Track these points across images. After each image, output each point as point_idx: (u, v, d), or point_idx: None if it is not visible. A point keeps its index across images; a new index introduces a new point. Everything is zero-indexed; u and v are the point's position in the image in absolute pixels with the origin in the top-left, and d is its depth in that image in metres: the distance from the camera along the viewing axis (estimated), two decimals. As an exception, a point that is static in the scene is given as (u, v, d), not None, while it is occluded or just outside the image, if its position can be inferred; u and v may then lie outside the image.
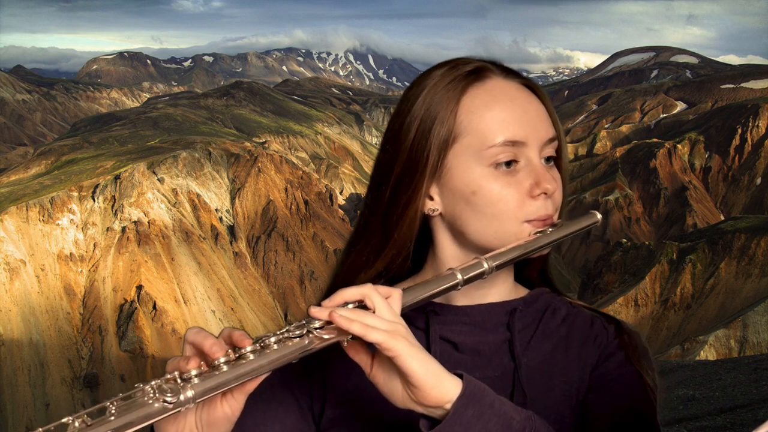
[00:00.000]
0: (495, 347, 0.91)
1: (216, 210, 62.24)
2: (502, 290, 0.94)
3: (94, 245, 52.88)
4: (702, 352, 29.61)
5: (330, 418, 0.89)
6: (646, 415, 0.85)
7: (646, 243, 47.32)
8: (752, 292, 38.61)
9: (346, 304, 0.73)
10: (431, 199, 0.90)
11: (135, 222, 54.55)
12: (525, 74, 0.94)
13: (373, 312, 0.73)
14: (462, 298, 0.92)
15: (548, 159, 0.91)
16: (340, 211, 72.53)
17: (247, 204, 64.04)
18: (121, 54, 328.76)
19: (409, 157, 0.88)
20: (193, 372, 0.66)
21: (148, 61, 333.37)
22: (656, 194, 66.07)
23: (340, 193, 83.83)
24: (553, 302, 0.96)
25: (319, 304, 0.87)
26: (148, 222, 55.26)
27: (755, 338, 31.15)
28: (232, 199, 64.38)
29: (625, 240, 47.49)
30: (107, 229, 53.94)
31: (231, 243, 60.31)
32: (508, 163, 0.86)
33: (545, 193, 0.87)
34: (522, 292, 0.97)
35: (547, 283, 1.00)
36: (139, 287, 50.36)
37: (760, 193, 66.94)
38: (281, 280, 59.49)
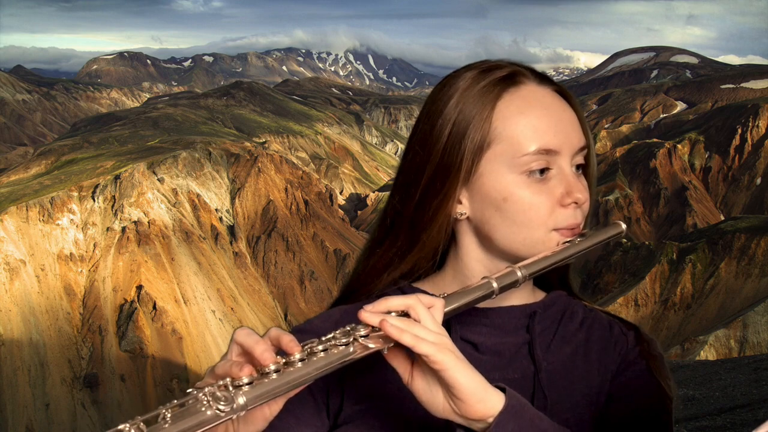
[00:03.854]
0: (515, 349, 0.91)
1: (216, 210, 62.22)
2: (522, 293, 0.94)
3: (94, 245, 52.87)
4: (702, 352, 29.64)
5: (347, 414, 0.89)
6: (664, 424, 0.86)
7: (646, 243, 47.32)
8: (752, 292, 38.61)
9: (389, 312, 0.74)
10: (459, 202, 0.90)
11: (135, 222, 54.53)
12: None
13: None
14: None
15: (578, 167, 0.91)
16: (340, 211, 72.51)
17: (247, 204, 64.03)
18: (121, 54, 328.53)
19: (442, 160, 0.87)
20: (245, 379, 0.67)
21: (148, 61, 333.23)
22: (656, 194, 66.02)
23: (340, 193, 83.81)
24: (570, 305, 0.97)
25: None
26: (148, 222, 55.24)
27: (755, 338, 31.16)
28: (232, 199, 64.36)
29: (625, 240, 47.45)
30: (107, 229, 53.92)
31: (231, 243, 60.29)
32: (541, 171, 0.86)
33: (575, 203, 0.87)
34: (540, 295, 0.98)
35: (565, 287, 1.01)
36: (139, 287, 50.34)
37: (760, 193, 66.89)
38: (281, 280, 59.47)
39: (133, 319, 48.15)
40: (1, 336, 44.76)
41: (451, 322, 0.91)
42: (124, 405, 44.15)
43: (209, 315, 53.27)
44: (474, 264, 0.92)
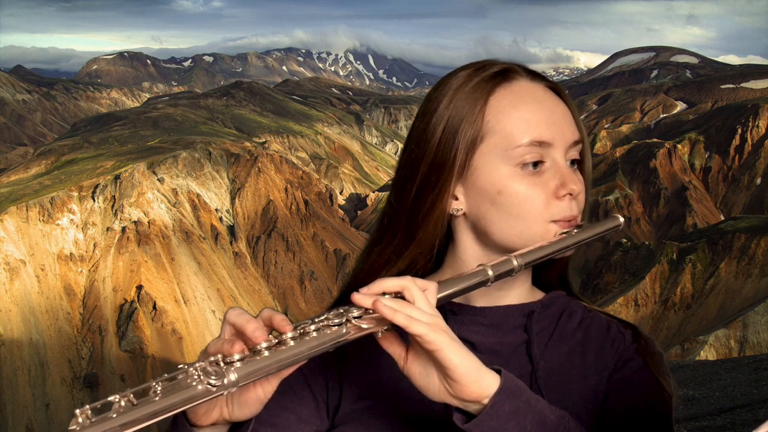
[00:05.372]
0: (512, 348, 0.91)
1: (216, 210, 62.23)
2: (520, 293, 0.95)
3: (94, 245, 52.87)
4: (702, 352, 29.63)
5: (346, 412, 0.89)
6: (663, 421, 0.86)
7: (646, 243, 47.32)
8: (752, 292, 38.61)
9: (384, 294, 0.74)
10: (456, 198, 0.91)
11: (135, 222, 54.54)
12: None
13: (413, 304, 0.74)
14: (480, 299, 0.93)
15: (572, 162, 0.92)
16: (340, 211, 72.52)
17: (247, 204, 64.04)
18: (121, 54, 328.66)
19: (436, 156, 0.88)
20: (236, 356, 0.67)
21: (148, 61, 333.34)
22: (656, 194, 66.01)
23: (340, 193, 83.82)
24: (569, 306, 0.97)
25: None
26: (148, 222, 55.25)
27: (755, 338, 31.15)
28: (232, 199, 64.36)
29: (625, 240, 47.47)
30: (107, 229, 53.92)
31: (231, 243, 60.30)
32: (535, 164, 0.87)
33: (570, 194, 0.88)
34: (539, 295, 0.98)
35: (564, 287, 1.01)
36: (139, 287, 50.34)
37: (760, 193, 66.88)
38: (281, 280, 59.48)
39: (133, 319, 48.15)
40: (1, 336, 44.76)
41: (448, 321, 0.87)
42: (124, 405, 44.10)
43: (209, 315, 53.27)
44: (472, 261, 0.93)
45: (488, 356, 0.90)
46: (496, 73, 0.90)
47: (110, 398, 0.61)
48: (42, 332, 46.49)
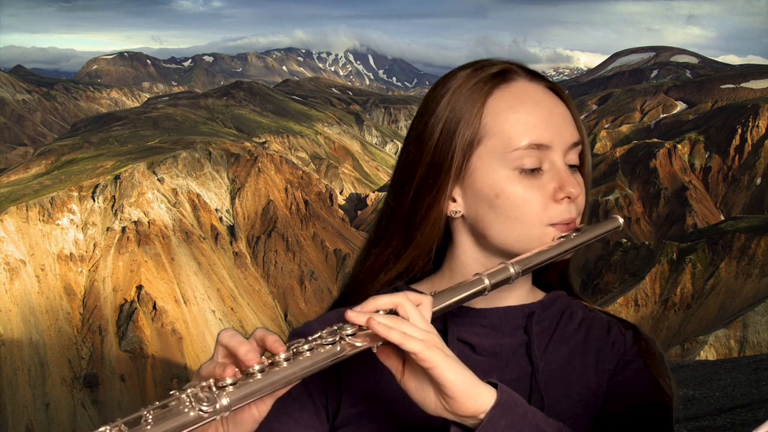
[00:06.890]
0: (512, 350, 0.90)
1: (216, 210, 62.22)
2: (520, 294, 0.94)
3: (94, 245, 52.86)
4: (702, 352, 29.64)
5: (345, 416, 0.89)
6: (663, 423, 0.85)
7: (646, 243, 47.33)
8: (752, 292, 38.62)
9: (378, 311, 0.73)
10: (454, 200, 0.90)
11: (135, 222, 54.53)
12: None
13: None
14: (480, 301, 0.89)
15: (572, 166, 0.90)
16: (340, 211, 72.51)
17: (247, 204, 64.03)
18: (121, 54, 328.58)
19: (434, 158, 0.87)
20: (228, 380, 0.67)
21: (148, 61, 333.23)
22: (656, 194, 66.01)
23: (340, 193, 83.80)
24: (569, 306, 0.96)
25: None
26: (148, 222, 55.24)
27: (755, 338, 31.16)
28: (232, 199, 64.36)
29: (625, 240, 47.45)
30: (107, 229, 53.92)
31: (231, 243, 60.29)
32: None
33: (569, 197, 0.87)
34: (539, 295, 0.97)
35: (565, 287, 1.00)
36: (139, 287, 50.33)
37: (760, 193, 66.88)
38: (281, 280, 59.47)
39: (133, 319, 48.15)
40: (1, 336, 44.75)
41: (448, 323, 0.90)
42: (124, 405, 44.15)
43: (209, 315, 53.27)
44: (471, 263, 0.92)
45: (488, 359, 0.89)
46: (495, 74, 0.89)
47: (101, 429, 0.60)
48: (42, 332, 46.48)
